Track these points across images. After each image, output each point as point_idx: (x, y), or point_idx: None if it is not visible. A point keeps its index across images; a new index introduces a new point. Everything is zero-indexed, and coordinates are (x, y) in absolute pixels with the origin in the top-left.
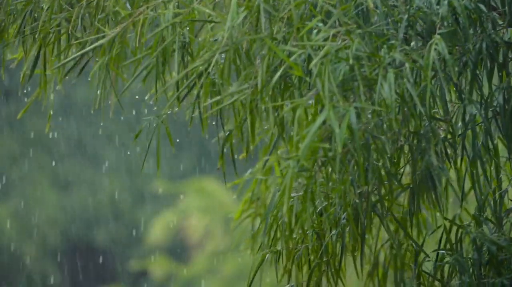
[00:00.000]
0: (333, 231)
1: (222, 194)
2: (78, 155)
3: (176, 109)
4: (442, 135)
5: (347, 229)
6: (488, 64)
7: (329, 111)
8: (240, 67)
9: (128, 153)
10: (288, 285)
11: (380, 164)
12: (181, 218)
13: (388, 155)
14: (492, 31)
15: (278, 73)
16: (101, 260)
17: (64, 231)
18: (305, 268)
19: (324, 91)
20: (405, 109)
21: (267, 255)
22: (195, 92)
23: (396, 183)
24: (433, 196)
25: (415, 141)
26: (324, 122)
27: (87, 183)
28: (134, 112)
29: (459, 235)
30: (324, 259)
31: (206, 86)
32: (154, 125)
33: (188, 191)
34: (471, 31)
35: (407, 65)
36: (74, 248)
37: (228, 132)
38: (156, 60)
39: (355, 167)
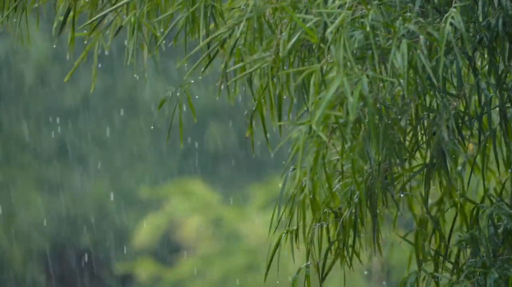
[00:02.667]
0: (349, 209)
1: (208, 195)
2: (64, 157)
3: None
4: (454, 112)
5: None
6: (506, 41)
7: (342, 78)
8: (262, 35)
9: (115, 154)
10: (304, 264)
11: (392, 132)
12: (167, 220)
13: (398, 126)
14: (510, 7)
15: (295, 38)
16: (87, 263)
17: (51, 234)
18: (321, 247)
19: (338, 58)
20: (417, 80)
21: (283, 235)
22: (219, 59)
23: (408, 153)
24: (445, 172)
25: (429, 116)
26: (337, 89)
27: (73, 185)
28: (125, 113)
29: (475, 212)
30: (340, 238)
31: (232, 52)
32: (178, 94)
33: (174, 193)
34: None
35: (421, 37)
36: (60, 251)
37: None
38: (185, 19)
39: (366, 135)
